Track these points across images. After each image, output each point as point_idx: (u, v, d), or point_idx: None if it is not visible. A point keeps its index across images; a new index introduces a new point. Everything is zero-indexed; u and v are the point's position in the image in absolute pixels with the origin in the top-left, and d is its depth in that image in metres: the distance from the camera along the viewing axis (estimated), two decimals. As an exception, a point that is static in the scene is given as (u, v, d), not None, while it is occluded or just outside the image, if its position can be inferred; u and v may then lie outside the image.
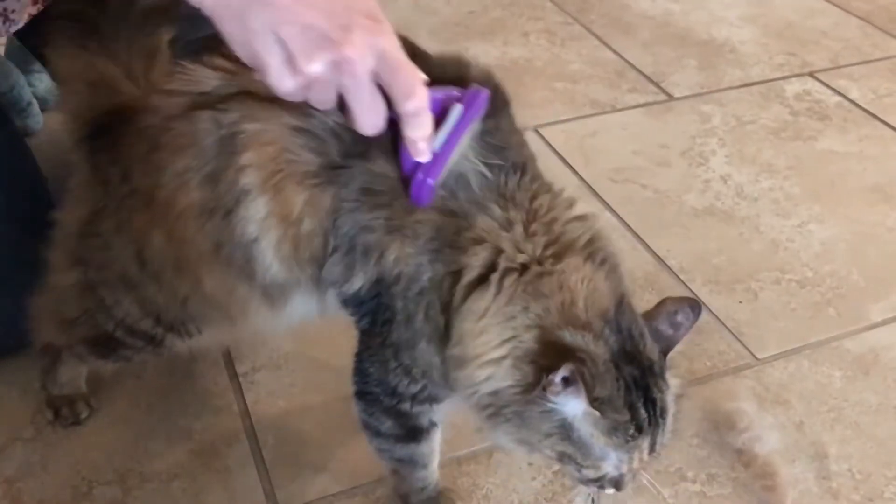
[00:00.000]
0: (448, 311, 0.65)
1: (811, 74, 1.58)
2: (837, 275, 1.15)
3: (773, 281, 1.14)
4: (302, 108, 0.63)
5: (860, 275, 1.16)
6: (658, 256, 1.16)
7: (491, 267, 0.64)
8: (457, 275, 0.64)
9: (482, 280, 0.64)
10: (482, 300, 0.64)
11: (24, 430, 0.90)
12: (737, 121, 1.44)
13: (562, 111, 1.44)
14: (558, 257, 0.64)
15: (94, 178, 0.75)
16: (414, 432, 0.74)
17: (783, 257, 1.18)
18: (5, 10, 0.88)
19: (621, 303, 0.65)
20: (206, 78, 0.68)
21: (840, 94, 1.53)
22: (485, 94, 0.65)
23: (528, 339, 0.62)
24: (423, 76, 0.62)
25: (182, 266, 0.71)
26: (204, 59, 0.68)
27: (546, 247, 0.65)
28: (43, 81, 1.25)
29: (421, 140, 0.62)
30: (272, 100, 0.63)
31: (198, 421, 0.91)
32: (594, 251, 0.66)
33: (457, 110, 0.63)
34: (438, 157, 0.63)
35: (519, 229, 0.65)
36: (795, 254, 1.19)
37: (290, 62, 0.58)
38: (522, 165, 0.67)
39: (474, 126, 0.64)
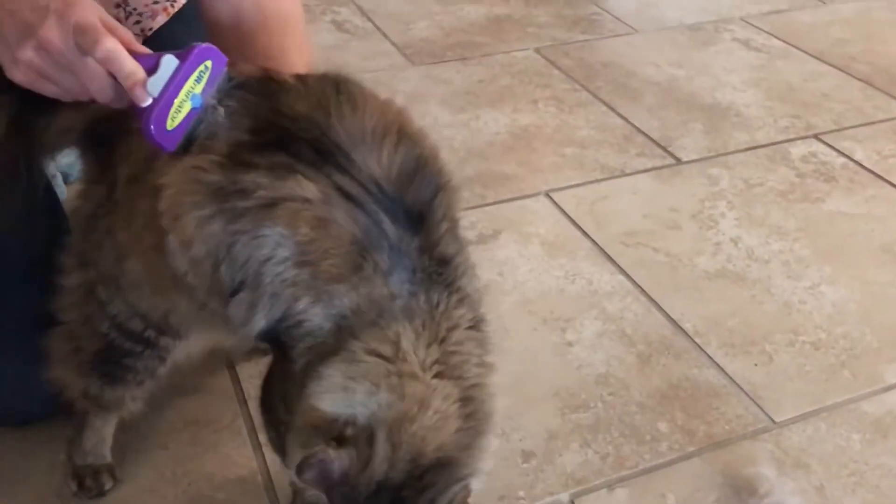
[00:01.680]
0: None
1: (816, 136, 1.62)
2: (850, 336, 1.17)
3: (787, 343, 1.15)
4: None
5: (873, 336, 1.17)
6: (672, 320, 1.18)
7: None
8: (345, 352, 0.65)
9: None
10: (343, 367, 0.64)
11: (49, 502, 0.90)
12: (745, 183, 1.47)
13: (572, 176, 1.47)
14: (440, 375, 0.65)
15: (98, 175, 0.80)
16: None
17: (796, 319, 1.19)
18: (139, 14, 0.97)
19: (440, 463, 0.63)
20: None
21: (845, 155, 1.56)
22: (203, 46, 0.68)
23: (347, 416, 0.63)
24: (129, 35, 0.68)
25: (157, 288, 0.75)
26: None
27: (436, 362, 0.65)
28: (67, 156, 1.29)
29: (132, 85, 0.65)
30: None
31: (222, 491, 0.92)
32: (471, 400, 0.67)
33: (167, 59, 0.67)
34: (157, 101, 0.66)
35: (423, 344, 0.65)
36: (808, 315, 1.20)
37: (12, 54, 0.67)
38: (453, 279, 0.67)
39: (203, 75, 0.68)
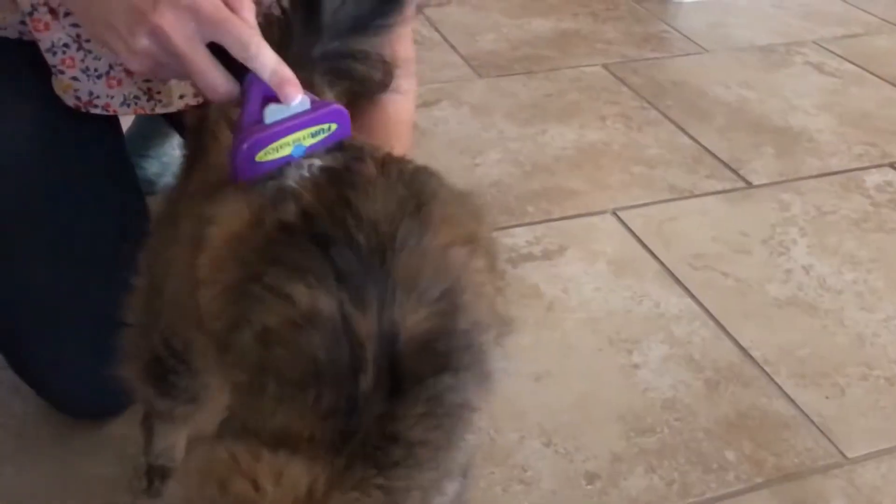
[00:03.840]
0: None
1: (891, 165, 1.58)
2: (927, 373, 1.13)
3: (860, 377, 1.12)
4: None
5: (951, 374, 1.13)
6: (742, 347, 1.15)
7: None
8: None
9: None
10: None
11: (120, 496, 0.92)
12: (817, 210, 1.44)
13: (640, 195, 1.45)
14: None
15: (178, 180, 0.77)
16: None
17: (870, 353, 1.16)
18: (150, 89, 0.93)
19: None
20: None
21: (922, 186, 1.52)
22: (337, 109, 0.63)
23: None
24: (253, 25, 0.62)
25: (183, 316, 0.70)
26: None
27: None
28: (153, 166, 1.31)
29: (284, 83, 0.60)
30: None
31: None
32: None
33: (301, 99, 0.62)
34: (266, 128, 0.61)
35: None
36: (882, 349, 1.17)
37: (126, 43, 0.64)
38: (392, 462, 0.55)
39: (322, 134, 0.62)
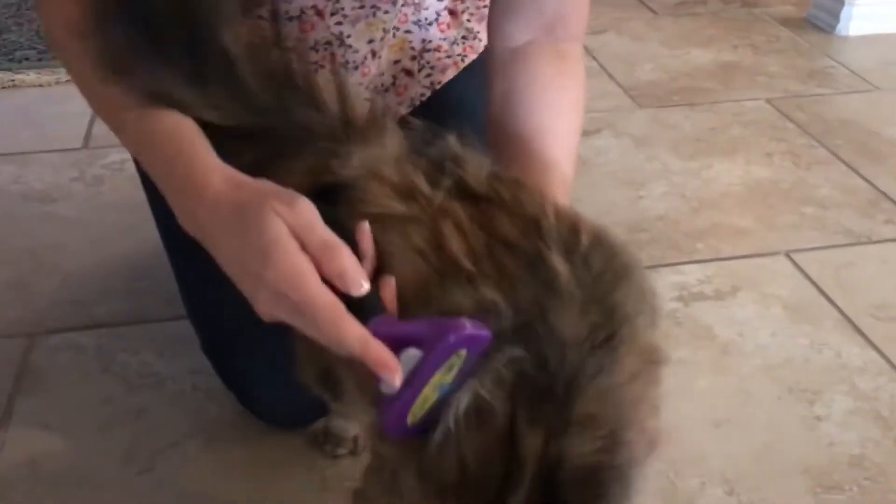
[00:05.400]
0: None
1: None
2: None
3: None
4: None
5: None
6: (933, 406, 1.10)
7: None
8: None
9: None
10: None
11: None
12: None
13: (813, 238, 1.41)
14: None
15: None
16: None
17: None
18: None
19: None
20: None
21: None
22: (454, 337, 0.54)
23: None
24: (351, 261, 0.58)
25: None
26: None
27: None
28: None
29: (383, 371, 0.55)
30: None
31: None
32: None
33: (407, 355, 0.56)
34: (396, 398, 0.56)
35: None
36: None
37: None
38: None
39: (456, 363, 0.55)
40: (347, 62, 0.94)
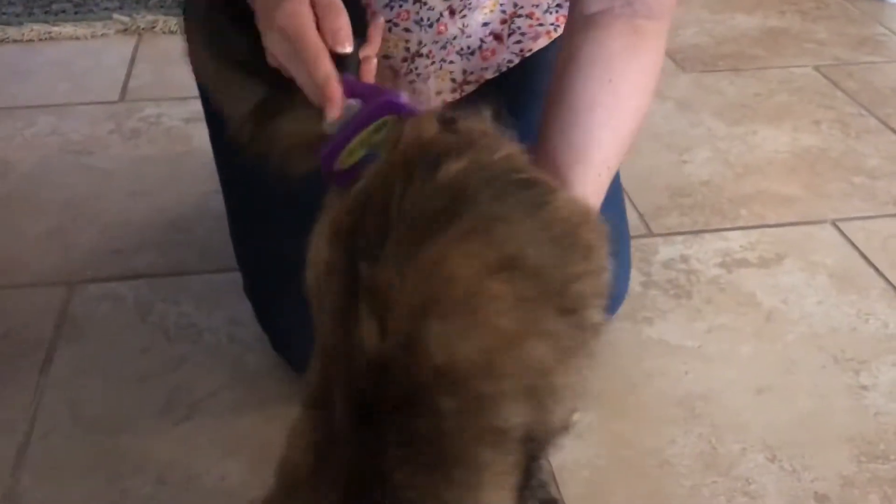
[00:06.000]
0: None
1: None
2: None
3: None
4: None
5: None
6: (984, 379, 1.07)
7: None
8: None
9: None
10: None
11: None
12: None
13: (862, 207, 1.37)
14: None
15: None
16: None
17: None
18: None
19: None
20: None
21: None
22: (386, 100, 0.65)
23: None
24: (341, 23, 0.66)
25: None
26: None
27: None
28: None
29: (325, 101, 0.65)
30: None
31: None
32: None
33: (349, 104, 0.65)
34: (331, 138, 0.66)
35: None
36: None
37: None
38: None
39: (380, 129, 0.65)
40: (422, 19, 0.93)
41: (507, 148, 0.61)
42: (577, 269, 0.60)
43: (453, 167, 0.57)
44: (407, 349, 0.53)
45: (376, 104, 0.66)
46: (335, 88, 0.65)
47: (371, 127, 0.65)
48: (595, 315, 0.62)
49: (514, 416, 0.56)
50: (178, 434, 0.97)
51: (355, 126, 0.66)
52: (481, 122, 0.63)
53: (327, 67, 0.65)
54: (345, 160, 0.66)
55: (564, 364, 0.59)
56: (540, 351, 0.57)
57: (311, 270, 0.62)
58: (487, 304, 0.54)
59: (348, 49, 0.66)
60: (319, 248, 0.60)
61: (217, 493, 0.90)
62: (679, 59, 1.80)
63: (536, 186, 0.60)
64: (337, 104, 0.65)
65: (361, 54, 0.70)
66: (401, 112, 0.65)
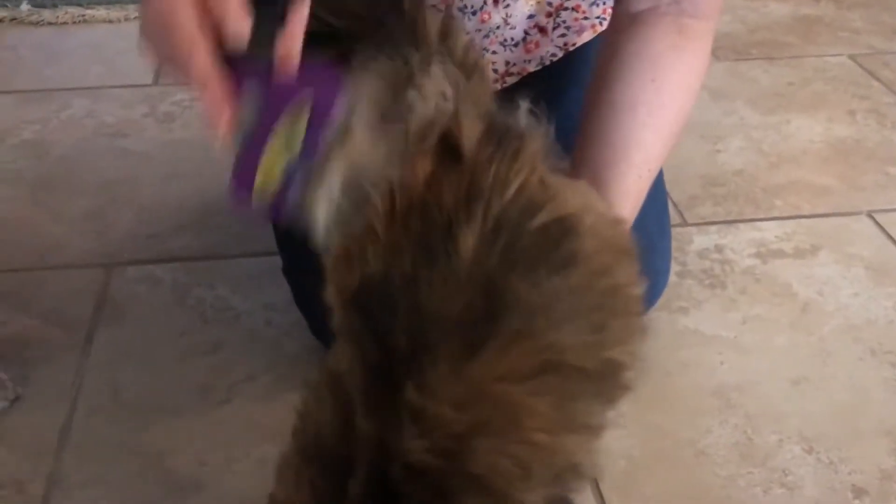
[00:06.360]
0: None
1: None
2: None
3: None
4: None
5: None
6: None
7: None
8: None
9: None
10: None
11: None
12: None
13: (898, 199, 1.36)
14: None
15: None
16: None
17: None
18: None
19: None
20: None
21: None
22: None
23: None
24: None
25: None
26: None
27: None
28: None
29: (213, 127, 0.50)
30: None
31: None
32: None
33: (248, 85, 0.48)
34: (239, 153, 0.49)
35: None
36: None
37: None
38: None
39: (300, 119, 0.48)
40: (465, 6, 0.92)
41: (517, 172, 0.54)
42: (615, 335, 0.58)
43: (470, 240, 0.51)
44: (449, 461, 0.52)
45: (275, 93, 0.49)
46: (216, 95, 0.52)
47: (285, 122, 0.50)
48: (628, 379, 0.61)
49: (535, 499, 0.56)
50: (217, 417, 0.98)
51: (261, 134, 0.50)
52: (474, 126, 0.56)
53: (204, 63, 0.53)
54: (263, 185, 0.51)
55: (591, 449, 0.58)
56: (573, 444, 0.56)
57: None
58: (530, 420, 0.53)
59: (239, 43, 0.53)
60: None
61: (257, 476, 0.91)
62: (712, 47, 1.78)
63: (559, 236, 0.54)
64: (223, 117, 0.52)
65: (280, 51, 0.54)
66: (321, 89, 0.48)
